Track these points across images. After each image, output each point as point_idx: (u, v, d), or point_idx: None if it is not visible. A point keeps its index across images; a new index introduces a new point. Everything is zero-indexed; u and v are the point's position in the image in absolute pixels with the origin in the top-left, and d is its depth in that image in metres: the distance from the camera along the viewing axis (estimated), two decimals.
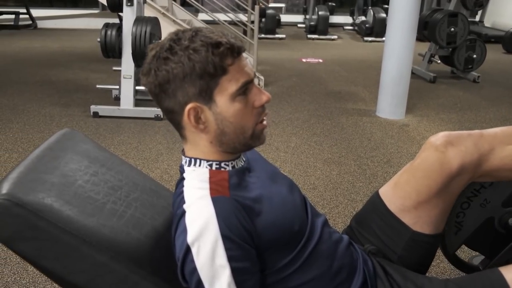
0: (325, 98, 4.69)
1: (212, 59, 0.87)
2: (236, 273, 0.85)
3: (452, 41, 5.28)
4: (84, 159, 1.06)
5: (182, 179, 0.97)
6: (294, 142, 3.49)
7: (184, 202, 0.91)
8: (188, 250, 0.85)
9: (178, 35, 0.90)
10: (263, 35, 8.20)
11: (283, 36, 8.51)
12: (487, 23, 9.22)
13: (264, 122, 0.97)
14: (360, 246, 1.16)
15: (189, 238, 0.85)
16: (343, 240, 1.11)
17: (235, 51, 0.90)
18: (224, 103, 0.90)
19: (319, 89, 5.02)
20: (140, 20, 3.72)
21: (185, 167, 0.97)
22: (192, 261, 0.84)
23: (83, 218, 0.90)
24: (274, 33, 8.39)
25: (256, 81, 4.22)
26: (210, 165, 0.96)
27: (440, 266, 2.03)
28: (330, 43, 8.36)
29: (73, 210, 0.90)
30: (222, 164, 0.96)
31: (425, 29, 5.42)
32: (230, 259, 0.85)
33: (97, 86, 4.26)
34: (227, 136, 0.93)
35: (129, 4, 3.87)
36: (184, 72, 0.87)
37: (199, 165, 0.96)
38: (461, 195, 1.36)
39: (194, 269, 0.85)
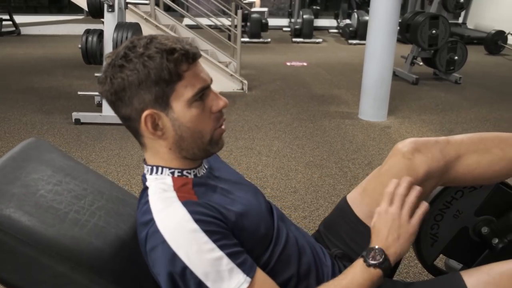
0: (309, 101, 4.71)
1: (167, 65, 0.87)
2: (233, 258, 0.86)
3: (434, 43, 5.34)
4: (48, 169, 1.06)
5: (146, 188, 0.96)
6: (276, 145, 3.50)
7: (150, 212, 0.89)
8: (175, 257, 0.84)
9: (133, 43, 0.90)
10: (248, 39, 8.22)
11: (268, 40, 8.54)
12: (470, 24, 9.32)
13: (223, 127, 0.98)
14: (328, 250, 1.17)
15: (173, 245, 0.84)
16: (310, 244, 1.11)
17: (190, 57, 0.90)
18: (181, 109, 0.90)
19: (303, 93, 5.04)
20: (121, 26, 3.72)
21: (147, 176, 0.97)
22: (185, 267, 0.84)
23: (43, 228, 0.89)
24: (259, 37, 8.41)
25: (239, 85, 4.20)
26: (172, 173, 0.96)
27: (418, 266, 2.05)
28: (315, 46, 8.40)
29: (33, 221, 0.89)
30: (184, 172, 0.97)
31: (407, 32, 5.48)
32: (222, 248, 0.85)
33: (79, 92, 4.24)
34: (186, 141, 0.93)
35: (110, 10, 3.86)
36: (140, 79, 0.87)
37: (161, 173, 0.96)
38: (433, 207, 1.38)
39: (191, 274, 0.84)
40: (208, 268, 0.83)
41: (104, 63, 0.93)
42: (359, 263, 0.96)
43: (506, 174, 1.19)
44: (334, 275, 1.09)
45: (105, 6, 3.81)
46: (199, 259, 0.83)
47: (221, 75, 4.95)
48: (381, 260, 0.94)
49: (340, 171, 3.07)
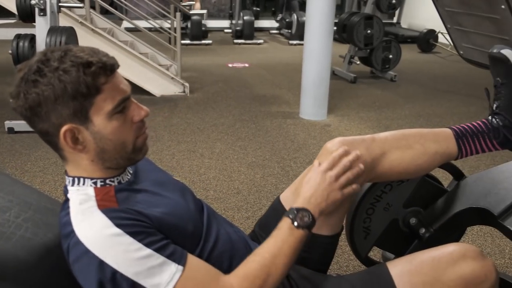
0: (250, 102, 4.74)
1: (84, 79, 0.86)
2: (162, 252, 0.87)
3: (369, 43, 5.52)
4: None
5: (67, 200, 0.95)
6: (218, 147, 3.51)
7: (70, 224, 0.89)
8: (102, 264, 0.83)
9: (46, 55, 0.88)
10: (189, 42, 8.17)
11: (210, 41, 8.52)
12: (403, 24, 9.70)
13: (146, 132, 0.98)
14: None
15: (98, 253, 0.84)
16: (244, 241, 1.14)
17: (108, 69, 0.89)
18: (101, 122, 0.89)
19: (245, 94, 5.08)
20: (54, 30, 3.60)
21: (69, 187, 0.96)
22: (115, 271, 0.83)
23: None
24: (200, 39, 8.37)
25: (181, 88, 4.15)
26: (95, 183, 0.95)
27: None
28: (257, 47, 8.47)
29: None
30: (107, 181, 0.96)
31: (344, 32, 5.63)
32: (148, 245, 0.86)
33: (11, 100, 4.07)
34: (108, 153, 0.93)
35: (41, 14, 3.72)
36: (56, 94, 0.85)
37: (83, 184, 0.94)
38: (365, 202, 1.44)
39: (122, 277, 0.83)
40: (138, 267, 0.84)
41: (16, 75, 0.90)
42: (286, 225, 1.00)
43: (428, 167, 1.25)
44: None
45: (36, 10, 3.68)
46: (127, 261, 0.84)
47: (162, 78, 4.89)
48: (309, 222, 1.00)
49: (282, 170, 3.12)
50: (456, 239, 1.63)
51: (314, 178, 1.06)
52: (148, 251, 0.85)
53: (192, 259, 0.92)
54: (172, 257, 0.88)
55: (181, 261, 0.89)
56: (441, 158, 1.24)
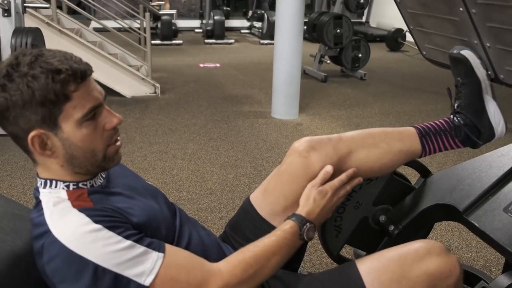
0: (222, 102, 4.74)
1: (53, 87, 0.85)
2: (141, 242, 0.88)
3: (339, 42, 5.58)
4: None
5: (39, 202, 0.94)
6: (191, 148, 3.50)
7: (45, 224, 0.88)
8: (81, 260, 0.83)
9: (18, 59, 0.87)
10: (159, 42, 8.11)
11: (180, 42, 8.47)
12: (372, 23, 9.85)
13: (118, 143, 0.98)
14: (234, 251, 1.20)
15: (77, 249, 0.84)
16: (216, 244, 1.14)
17: (78, 77, 0.88)
18: (71, 129, 0.89)
19: (216, 94, 5.07)
20: (19, 31, 3.52)
21: (40, 189, 0.95)
22: (96, 266, 0.83)
23: None
24: (170, 39, 8.32)
25: (152, 89, 4.13)
26: (67, 186, 0.94)
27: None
28: (228, 47, 8.46)
29: None
30: (80, 184, 0.96)
31: (314, 31, 5.68)
32: (128, 237, 0.87)
33: None
34: (78, 160, 0.92)
35: (6, 14, 3.64)
36: (24, 99, 0.85)
37: (55, 186, 0.94)
38: None
39: (104, 270, 0.84)
40: (119, 259, 0.85)
41: None
42: (293, 230, 1.04)
43: (393, 166, 1.28)
44: None
45: (0, 10, 3.60)
46: (108, 254, 0.85)
47: (132, 79, 4.84)
48: (312, 236, 1.06)
49: (255, 170, 3.13)
50: (424, 235, 1.67)
51: (329, 196, 1.12)
52: (128, 242, 0.87)
53: (170, 247, 0.94)
54: (151, 246, 0.90)
55: (160, 249, 0.91)
56: (405, 156, 1.27)
